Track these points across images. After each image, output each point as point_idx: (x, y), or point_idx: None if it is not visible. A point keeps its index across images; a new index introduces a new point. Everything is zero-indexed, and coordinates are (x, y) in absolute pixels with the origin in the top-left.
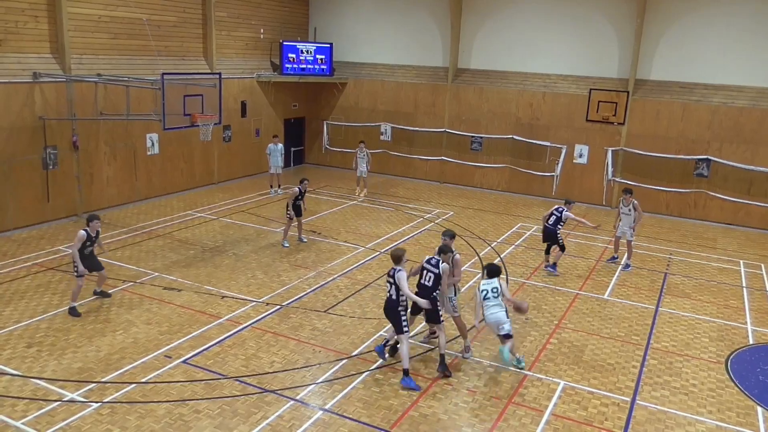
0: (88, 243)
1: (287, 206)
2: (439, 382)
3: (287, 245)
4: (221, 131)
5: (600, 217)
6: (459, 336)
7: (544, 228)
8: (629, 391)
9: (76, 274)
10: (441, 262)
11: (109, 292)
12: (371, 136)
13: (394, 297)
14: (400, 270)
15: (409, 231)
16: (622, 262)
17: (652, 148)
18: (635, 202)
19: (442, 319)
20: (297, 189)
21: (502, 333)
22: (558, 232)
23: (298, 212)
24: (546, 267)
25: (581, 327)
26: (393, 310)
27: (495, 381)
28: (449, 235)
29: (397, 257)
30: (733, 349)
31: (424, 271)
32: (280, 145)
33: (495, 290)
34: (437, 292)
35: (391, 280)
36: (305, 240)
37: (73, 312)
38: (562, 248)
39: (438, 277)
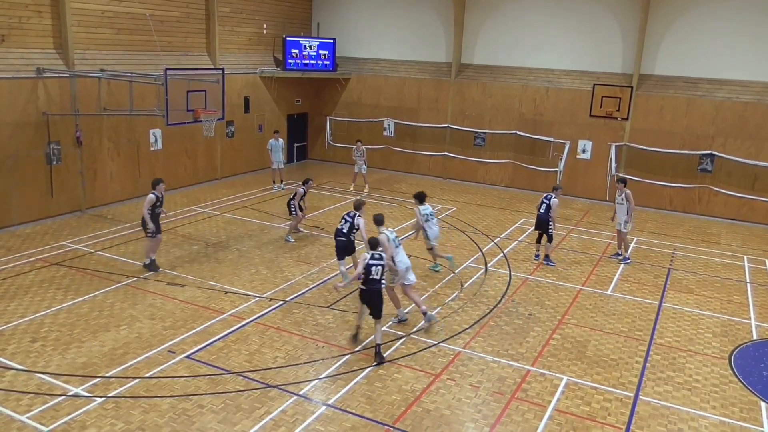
0: (158, 204)
1: (289, 204)
2: (442, 378)
3: (292, 240)
4: (224, 127)
5: (603, 212)
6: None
7: (537, 216)
8: (632, 387)
9: (150, 235)
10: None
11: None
12: (374, 131)
13: (345, 231)
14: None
15: (412, 227)
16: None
17: (656, 144)
18: (627, 192)
19: (382, 314)
20: (301, 190)
21: (435, 243)
22: (549, 219)
23: (298, 209)
24: (536, 257)
25: (584, 322)
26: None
27: (498, 377)
28: (356, 205)
29: (357, 206)
30: (736, 345)
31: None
32: (281, 141)
33: (431, 214)
34: (383, 281)
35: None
36: (306, 232)
37: (152, 266)
38: (550, 238)
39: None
